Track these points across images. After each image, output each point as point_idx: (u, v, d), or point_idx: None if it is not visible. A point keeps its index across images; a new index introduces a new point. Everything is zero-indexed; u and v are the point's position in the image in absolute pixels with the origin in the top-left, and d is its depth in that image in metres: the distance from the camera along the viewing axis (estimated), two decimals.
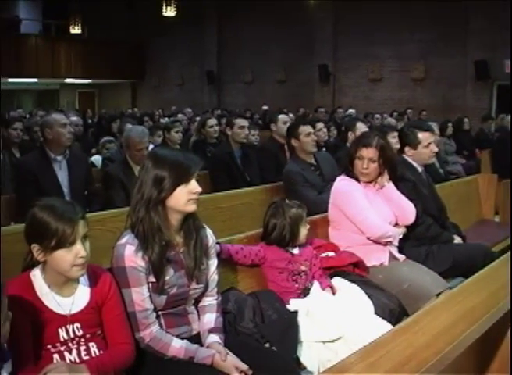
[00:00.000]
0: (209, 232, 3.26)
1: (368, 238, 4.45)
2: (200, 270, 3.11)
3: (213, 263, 3.25)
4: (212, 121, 8.51)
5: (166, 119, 13.81)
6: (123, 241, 3.00)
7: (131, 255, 2.95)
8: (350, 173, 4.59)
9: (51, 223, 2.63)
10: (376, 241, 4.47)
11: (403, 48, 19.77)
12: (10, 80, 24.63)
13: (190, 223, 3.11)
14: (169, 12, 21.52)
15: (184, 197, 2.99)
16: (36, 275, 2.78)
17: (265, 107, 19.03)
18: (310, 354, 3.53)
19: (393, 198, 4.62)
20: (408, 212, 4.64)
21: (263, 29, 22.53)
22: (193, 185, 3.01)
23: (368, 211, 4.43)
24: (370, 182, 4.59)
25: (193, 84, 25.32)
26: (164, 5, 21.35)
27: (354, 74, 21.03)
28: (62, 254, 2.65)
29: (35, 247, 2.69)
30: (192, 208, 3.04)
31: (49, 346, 2.74)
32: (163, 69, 26.53)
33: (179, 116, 12.38)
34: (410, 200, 4.69)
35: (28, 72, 24.51)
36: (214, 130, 8.38)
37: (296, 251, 4.01)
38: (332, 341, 3.58)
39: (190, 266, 3.07)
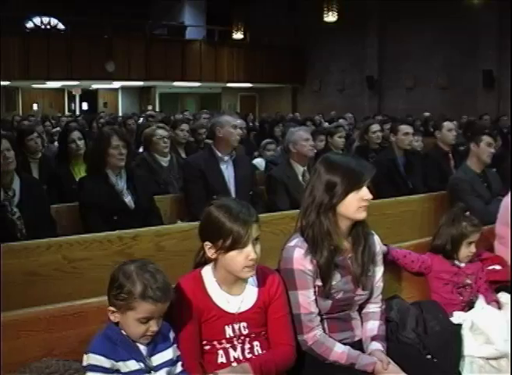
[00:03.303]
0: (377, 239, 3.24)
1: None
2: (366, 277, 3.10)
3: (379, 270, 3.23)
4: (375, 127, 8.42)
5: (326, 123, 13.82)
6: (293, 243, 3.04)
7: (300, 257, 2.98)
8: None
9: (226, 223, 2.70)
10: None
11: None
12: (175, 83, 25.57)
13: (359, 229, 3.10)
14: (331, 17, 21.50)
15: (355, 204, 2.98)
16: (207, 272, 2.87)
17: (427, 113, 18.57)
18: (472, 369, 3.41)
19: None
20: None
21: (425, 32, 21.98)
22: (365, 192, 2.99)
23: None
24: None
25: (354, 89, 25.14)
26: (325, 10, 21.39)
27: None
28: (234, 255, 2.72)
29: (207, 244, 2.77)
30: (362, 215, 3.02)
31: (215, 342, 2.82)
32: (324, 74, 26.52)
33: (341, 121, 12.35)
34: None
35: (192, 76, 25.28)
36: (377, 136, 8.29)
37: (462, 264, 3.90)
38: (496, 359, 3.44)
39: (357, 272, 3.06)
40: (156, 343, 2.63)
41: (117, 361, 2.51)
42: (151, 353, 2.61)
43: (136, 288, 2.50)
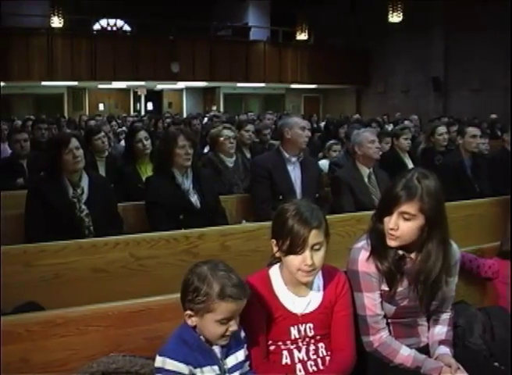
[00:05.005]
0: (454, 248, 3.08)
1: None
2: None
3: (453, 281, 3.08)
4: (442, 129, 8.27)
5: (391, 125, 13.67)
6: (359, 245, 3.00)
7: (365, 260, 2.94)
8: None
9: (288, 220, 2.67)
10: None
11: None
12: (239, 84, 25.69)
13: (436, 237, 2.91)
14: (395, 17, 21.28)
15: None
16: (274, 272, 2.86)
17: (493, 115, 18.20)
18: None
19: None
20: None
21: (491, 33, 21.43)
22: None
23: None
24: None
25: (419, 91, 24.78)
26: (390, 11, 21.19)
27: None
28: (291, 258, 2.70)
29: (273, 242, 2.77)
30: None
31: (280, 343, 2.82)
32: (388, 75, 26.23)
33: (406, 122, 12.19)
34: None
35: (256, 77, 25.41)
36: (443, 138, 8.15)
37: None
38: None
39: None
40: (230, 344, 2.61)
41: (195, 367, 2.50)
42: (226, 355, 2.60)
43: (214, 289, 2.47)
